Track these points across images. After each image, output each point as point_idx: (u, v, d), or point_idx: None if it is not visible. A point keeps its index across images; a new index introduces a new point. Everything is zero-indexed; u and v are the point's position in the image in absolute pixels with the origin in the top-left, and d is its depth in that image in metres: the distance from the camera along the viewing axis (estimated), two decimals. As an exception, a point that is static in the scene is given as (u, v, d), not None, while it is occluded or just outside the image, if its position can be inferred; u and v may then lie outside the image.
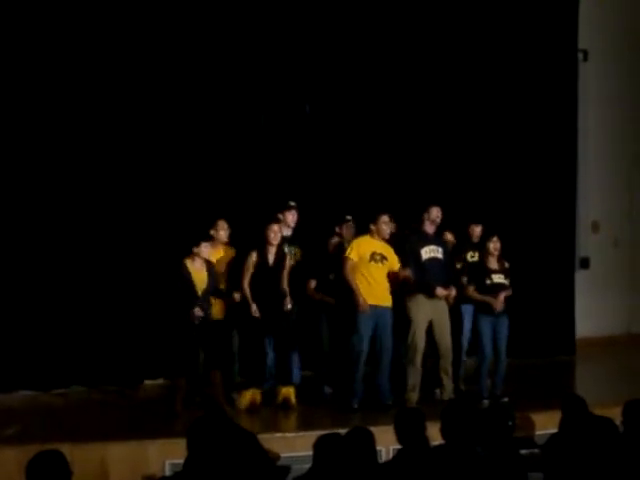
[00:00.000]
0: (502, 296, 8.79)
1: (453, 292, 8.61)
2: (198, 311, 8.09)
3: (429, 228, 8.67)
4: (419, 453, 5.10)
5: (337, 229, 9.05)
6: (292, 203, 8.94)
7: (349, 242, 8.70)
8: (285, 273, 8.46)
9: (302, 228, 9.09)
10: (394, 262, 8.49)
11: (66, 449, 5.38)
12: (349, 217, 9.14)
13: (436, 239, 8.73)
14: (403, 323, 8.53)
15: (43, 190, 9.43)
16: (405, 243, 8.65)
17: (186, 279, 8.18)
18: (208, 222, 8.73)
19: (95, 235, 9.59)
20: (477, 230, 9.52)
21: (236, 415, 7.80)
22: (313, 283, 8.77)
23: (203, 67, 10.03)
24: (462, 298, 8.97)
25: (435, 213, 8.63)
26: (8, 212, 9.33)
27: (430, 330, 8.56)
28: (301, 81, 10.45)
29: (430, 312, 8.55)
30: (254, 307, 8.28)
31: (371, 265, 8.39)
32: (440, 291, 8.50)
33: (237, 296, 8.37)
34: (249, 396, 8.38)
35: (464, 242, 9.51)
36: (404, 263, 8.54)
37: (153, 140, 9.82)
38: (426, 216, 8.63)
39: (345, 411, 8.22)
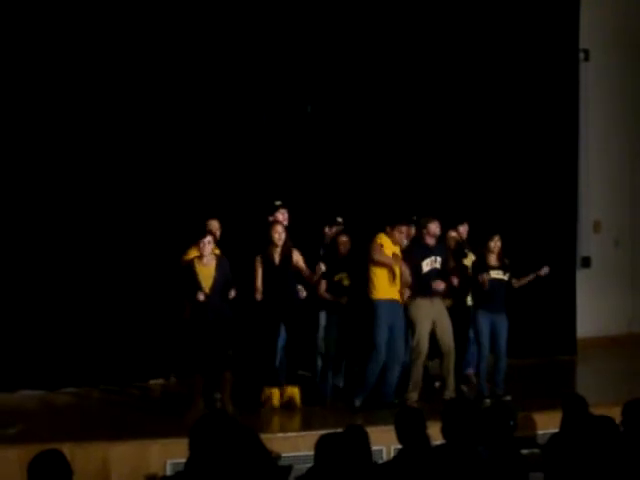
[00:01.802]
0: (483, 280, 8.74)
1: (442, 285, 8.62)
2: (200, 294, 8.06)
3: (430, 241, 8.70)
4: (420, 453, 5.10)
5: (326, 230, 9.03)
6: (278, 202, 8.91)
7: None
8: (301, 265, 8.45)
9: (304, 228, 9.11)
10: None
11: (67, 449, 5.41)
12: (340, 219, 9.14)
13: (436, 250, 8.72)
14: (406, 325, 8.56)
15: (44, 190, 9.44)
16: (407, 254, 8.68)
17: (190, 279, 8.15)
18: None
19: (98, 234, 9.60)
20: (463, 229, 9.47)
21: (238, 415, 7.80)
22: (324, 284, 8.73)
23: (205, 67, 10.04)
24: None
25: (434, 228, 8.66)
26: (9, 212, 9.34)
27: (432, 330, 8.59)
28: (303, 81, 10.45)
29: (431, 313, 8.59)
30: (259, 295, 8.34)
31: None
32: (438, 284, 8.55)
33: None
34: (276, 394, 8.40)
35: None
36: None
37: (155, 140, 9.83)
38: (425, 231, 8.67)
39: (348, 410, 8.23)
